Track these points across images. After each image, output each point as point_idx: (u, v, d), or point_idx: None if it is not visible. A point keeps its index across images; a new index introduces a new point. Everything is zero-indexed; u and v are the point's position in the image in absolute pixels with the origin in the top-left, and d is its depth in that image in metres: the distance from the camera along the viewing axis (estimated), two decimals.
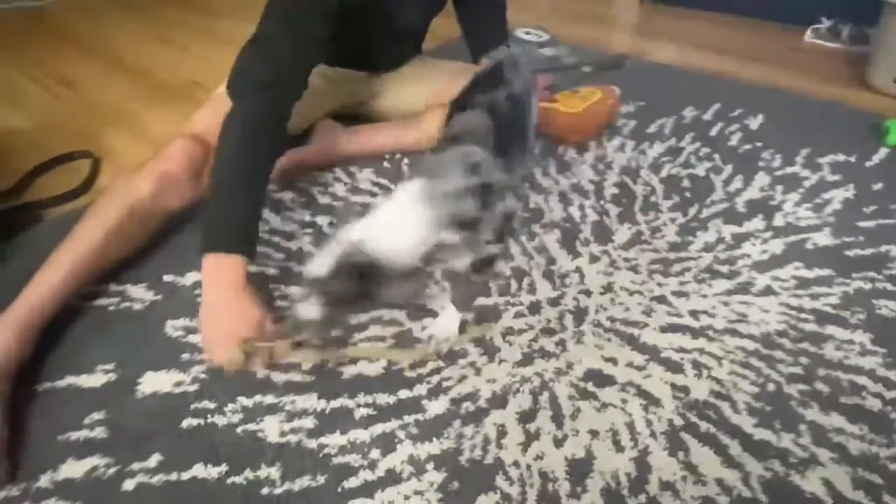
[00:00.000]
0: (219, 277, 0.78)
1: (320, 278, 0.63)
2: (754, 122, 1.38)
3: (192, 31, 2.02)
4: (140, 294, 0.88)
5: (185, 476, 0.65)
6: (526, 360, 0.80)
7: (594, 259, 0.97)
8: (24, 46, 1.87)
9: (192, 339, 0.81)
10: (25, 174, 1.19)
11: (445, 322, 0.83)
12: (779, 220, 1.06)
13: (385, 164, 1.22)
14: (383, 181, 1.16)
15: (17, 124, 1.41)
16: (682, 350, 0.81)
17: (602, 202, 1.11)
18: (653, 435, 0.70)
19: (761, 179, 1.17)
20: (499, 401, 0.74)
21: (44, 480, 0.65)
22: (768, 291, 0.91)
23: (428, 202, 0.65)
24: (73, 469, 0.66)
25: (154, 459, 0.67)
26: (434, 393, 0.75)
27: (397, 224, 0.65)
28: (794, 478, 0.66)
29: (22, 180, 1.17)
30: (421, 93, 1.24)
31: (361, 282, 0.62)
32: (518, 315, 0.87)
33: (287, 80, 0.91)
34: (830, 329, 0.85)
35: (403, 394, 0.75)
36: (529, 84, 0.89)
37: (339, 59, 1.16)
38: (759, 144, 1.29)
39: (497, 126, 0.75)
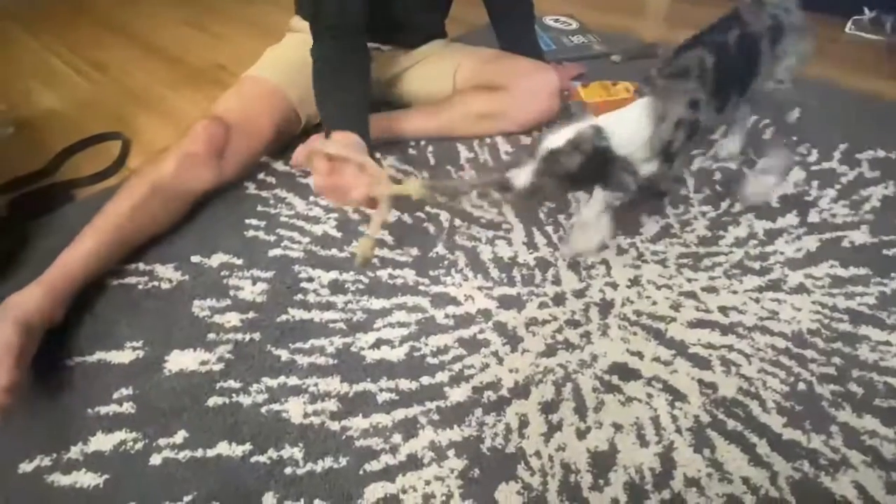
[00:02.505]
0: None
1: (554, 149, 0.72)
2: (790, 116, 1.34)
3: (224, 16, 2.03)
4: (168, 274, 0.89)
5: (210, 453, 0.66)
6: (549, 351, 0.79)
7: (621, 251, 0.95)
8: (60, 30, 1.90)
9: (217, 319, 0.82)
10: (57, 154, 1.21)
11: (588, 233, 0.88)
12: (814, 217, 1.03)
13: (410, 150, 1.21)
14: (408, 168, 1.16)
15: (51, 105, 1.44)
16: (710, 346, 0.80)
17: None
18: (678, 431, 0.69)
19: (796, 174, 1.14)
20: (521, 390, 0.74)
21: (74, 452, 0.67)
22: (801, 289, 0.88)
23: (654, 121, 0.75)
24: (101, 442, 0.68)
25: (180, 436, 0.68)
26: (456, 380, 0.75)
27: (633, 126, 0.75)
28: (824, 480, 0.65)
29: (54, 160, 1.20)
30: (445, 76, 1.23)
31: (589, 161, 0.72)
32: (542, 305, 0.86)
33: (350, 20, 0.99)
34: (865, 330, 0.82)
35: (425, 380, 0.75)
36: (775, 25, 0.87)
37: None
38: (794, 138, 1.25)
39: (717, 67, 0.77)
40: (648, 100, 0.76)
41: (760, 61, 0.86)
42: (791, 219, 1.02)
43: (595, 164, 0.73)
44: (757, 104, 1.06)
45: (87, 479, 0.64)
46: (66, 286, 0.80)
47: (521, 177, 0.74)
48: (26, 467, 0.65)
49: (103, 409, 0.71)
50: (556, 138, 0.74)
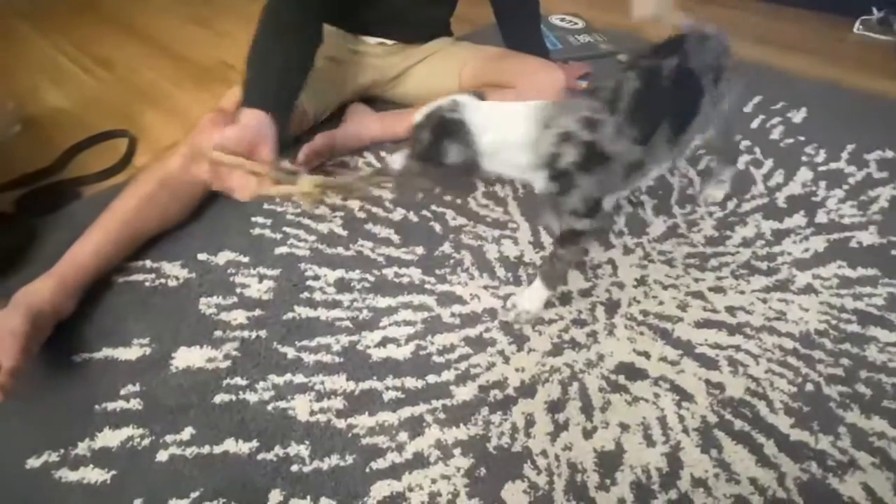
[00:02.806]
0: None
1: (415, 124, 0.69)
2: (797, 116, 1.33)
3: (230, 14, 2.03)
4: (175, 271, 0.89)
5: (217, 450, 0.66)
6: (556, 351, 0.79)
7: (628, 251, 0.95)
8: (67, 28, 1.91)
9: (224, 316, 0.83)
10: (65, 151, 1.21)
11: (530, 295, 0.82)
12: (821, 217, 1.03)
13: None
14: None
15: (58, 103, 1.44)
16: (717, 346, 0.79)
17: (637, 193, 1.08)
18: (685, 431, 0.69)
19: (804, 174, 1.13)
20: (527, 390, 0.74)
21: (81, 448, 0.67)
22: (809, 290, 0.88)
23: (538, 125, 0.68)
24: (109, 438, 0.68)
25: (187, 432, 0.68)
26: (462, 379, 0.75)
27: (513, 118, 0.69)
28: (832, 481, 0.64)
29: (62, 157, 1.20)
30: (451, 74, 1.23)
31: (440, 135, 0.67)
32: (548, 305, 0.85)
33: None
34: (874, 331, 0.82)
35: (431, 378, 0.75)
36: (716, 64, 0.79)
37: (364, 22, 1.15)
38: (801, 138, 1.25)
39: (639, 93, 0.70)
40: (542, 103, 0.70)
41: (702, 101, 0.77)
42: (798, 219, 1.02)
43: (442, 137, 0.67)
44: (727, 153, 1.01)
45: (94, 474, 0.64)
46: (76, 279, 0.81)
47: (397, 160, 0.71)
48: (34, 462, 0.65)
49: (110, 406, 0.71)
50: (419, 112, 0.69)
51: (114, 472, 0.65)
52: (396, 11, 1.17)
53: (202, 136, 0.96)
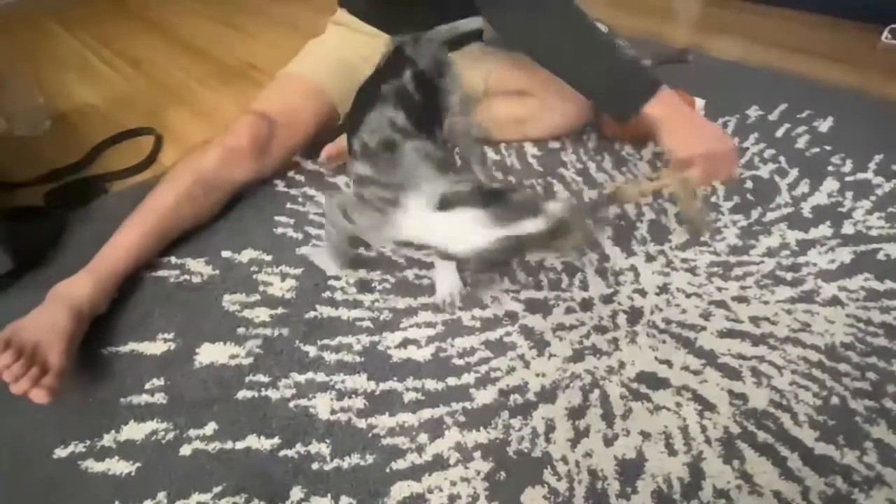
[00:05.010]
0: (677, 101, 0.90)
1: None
2: (824, 125, 1.31)
3: (258, 15, 2.06)
4: (199, 268, 0.91)
5: (240, 446, 0.67)
6: (577, 357, 0.79)
7: (650, 258, 0.94)
8: (95, 26, 1.95)
9: (247, 313, 0.83)
10: (93, 148, 1.24)
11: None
12: (848, 228, 1.01)
13: None
14: None
15: (87, 100, 1.47)
16: (740, 356, 0.78)
17: (659, 200, 1.08)
18: (707, 441, 0.68)
19: (830, 185, 1.12)
20: (548, 395, 0.74)
21: (107, 439, 0.68)
22: (834, 301, 0.87)
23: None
24: (134, 431, 0.69)
25: (210, 427, 0.69)
26: (482, 382, 0.75)
27: None
28: (858, 497, 0.63)
29: (90, 153, 1.23)
30: (477, 78, 1.23)
31: None
32: (569, 310, 0.85)
33: None
34: None
35: (451, 381, 0.75)
36: (437, 57, 0.88)
37: (383, 17, 1.16)
38: (828, 148, 1.23)
39: (409, 111, 0.75)
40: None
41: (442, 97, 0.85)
42: (824, 230, 1.00)
43: None
44: None
45: (119, 466, 0.66)
46: (112, 275, 0.83)
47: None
48: (61, 452, 0.67)
49: (136, 399, 0.72)
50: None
51: (138, 465, 0.66)
52: (427, 11, 1.17)
53: (235, 139, 0.97)
